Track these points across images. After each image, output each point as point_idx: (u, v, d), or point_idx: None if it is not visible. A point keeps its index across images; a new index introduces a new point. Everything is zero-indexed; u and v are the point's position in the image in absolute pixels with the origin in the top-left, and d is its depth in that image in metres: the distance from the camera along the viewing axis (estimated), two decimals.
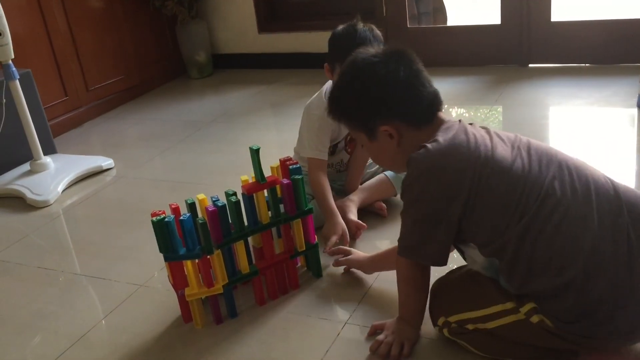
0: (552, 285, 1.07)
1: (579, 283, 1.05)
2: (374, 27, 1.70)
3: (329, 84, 1.77)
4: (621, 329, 1.07)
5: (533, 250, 1.08)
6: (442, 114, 1.23)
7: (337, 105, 1.27)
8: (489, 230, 1.12)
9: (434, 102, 1.22)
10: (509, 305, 1.13)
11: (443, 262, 1.20)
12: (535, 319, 1.10)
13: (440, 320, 1.24)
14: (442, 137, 1.17)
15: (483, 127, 1.23)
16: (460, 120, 1.22)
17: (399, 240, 1.23)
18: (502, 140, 1.18)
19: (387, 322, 1.32)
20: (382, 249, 1.50)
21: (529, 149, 1.17)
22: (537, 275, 1.08)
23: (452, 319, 1.21)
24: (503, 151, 1.15)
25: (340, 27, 1.72)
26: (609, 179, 1.15)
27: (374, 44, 1.63)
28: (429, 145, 1.16)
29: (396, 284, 1.30)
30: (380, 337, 1.30)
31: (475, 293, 1.20)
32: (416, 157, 1.16)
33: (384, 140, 1.22)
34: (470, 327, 1.19)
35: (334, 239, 1.64)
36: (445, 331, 1.24)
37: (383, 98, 1.20)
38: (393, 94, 1.19)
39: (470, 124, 1.23)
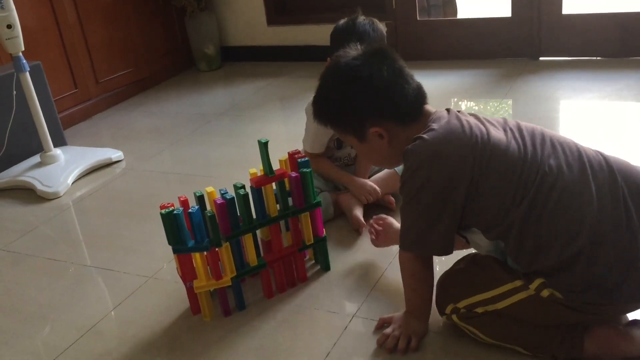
0: (560, 259, 1.09)
1: (586, 254, 1.07)
2: (375, 20, 1.70)
3: None
4: (629, 294, 1.08)
5: (538, 228, 1.09)
6: (429, 107, 1.24)
7: (323, 111, 1.27)
8: (492, 214, 1.13)
9: (419, 97, 1.23)
10: (517, 283, 1.14)
11: (449, 250, 1.20)
12: (545, 293, 1.11)
13: (449, 308, 1.24)
14: (436, 125, 1.17)
15: (472, 114, 1.23)
16: (448, 109, 1.23)
17: (402, 236, 1.23)
18: (493, 124, 1.19)
19: (394, 316, 1.32)
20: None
21: (520, 130, 1.18)
22: (545, 252, 1.10)
23: (461, 304, 1.22)
24: (497, 134, 1.16)
25: (341, 21, 1.72)
26: (599, 152, 1.18)
27: (374, 37, 1.64)
28: (424, 135, 1.16)
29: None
30: (388, 330, 1.30)
31: (483, 276, 1.20)
32: (413, 148, 1.16)
33: (375, 140, 1.22)
34: (479, 310, 1.19)
35: (370, 198, 1.76)
36: (454, 317, 1.24)
37: (369, 100, 1.19)
38: (379, 94, 1.19)
39: (459, 111, 1.23)
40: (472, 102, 2.79)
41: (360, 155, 1.29)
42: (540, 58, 3.15)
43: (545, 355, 1.18)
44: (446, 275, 1.29)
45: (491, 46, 3.23)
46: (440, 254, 1.22)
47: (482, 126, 1.17)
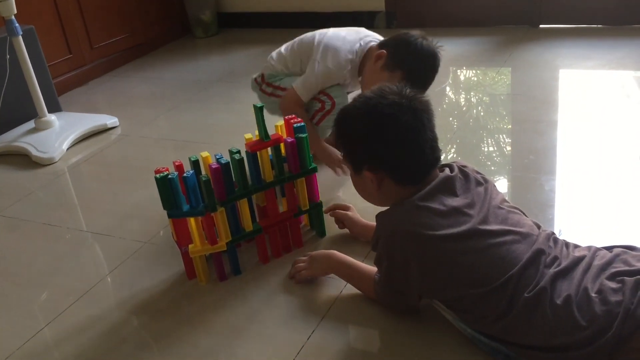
0: None
1: None
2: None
3: (354, 47, 1.78)
4: None
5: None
6: (435, 173, 1.20)
7: (340, 130, 1.25)
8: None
9: (427, 170, 1.18)
10: None
11: (416, 307, 1.27)
12: None
13: None
14: (412, 202, 1.14)
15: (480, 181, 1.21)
16: (450, 171, 1.20)
17: (378, 290, 1.28)
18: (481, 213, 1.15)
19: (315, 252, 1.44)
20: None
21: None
22: None
23: None
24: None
25: (416, 37, 1.68)
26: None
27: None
28: (394, 211, 1.18)
29: None
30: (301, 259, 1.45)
31: None
32: (381, 219, 1.20)
33: (366, 180, 1.21)
34: None
35: (339, 172, 1.82)
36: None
37: (378, 151, 1.16)
38: (389, 151, 1.16)
39: (464, 166, 1.22)
40: (471, 71, 2.76)
41: (352, 181, 1.29)
42: (541, 25, 3.11)
43: None
44: None
45: (491, 14, 3.19)
46: (402, 311, 1.28)
47: (459, 217, 1.12)
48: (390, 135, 1.14)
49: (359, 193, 1.29)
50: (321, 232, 1.60)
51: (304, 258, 1.45)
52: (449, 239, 1.10)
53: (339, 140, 1.25)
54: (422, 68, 1.67)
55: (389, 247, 1.17)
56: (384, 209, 1.22)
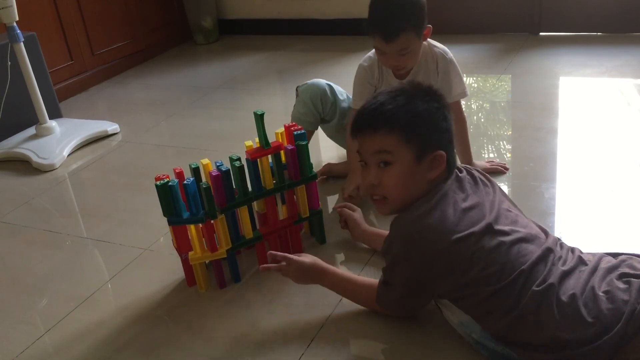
0: None
1: None
2: None
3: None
4: None
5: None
6: None
7: (406, 113, 1.16)
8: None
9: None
10: None
11: (416, 311, 1.29)
12: None
13: None
14: (432, 204, 1.14)
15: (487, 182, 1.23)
16: (459, 175, 1.21)
17: (380, 293, 1.25)
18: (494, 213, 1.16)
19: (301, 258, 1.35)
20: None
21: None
22: None
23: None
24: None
25: None
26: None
27: None
28: (415, 213, 1.14)
29: None
30: (281, 263, 1.35)
31: None
32: (398, 223, 1.18)
33: (426, 167, 1.17)
34: None
35: (351, 187, 1.72)
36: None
37: (447, 132, 1.18)
38: (451, 134, 1.19)
39: (469, 168, 1.25)
40: (471, 78, 2.77)
41: (394, 174, 1.17)
42: (541, 33, 3.12)
43: None
44: None
45: (491, 21, 3.20)
46: (407, 315, 1.29)
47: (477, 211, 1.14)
48: (445, 121, 1.18)
49: (395, 187, 1.17)
50: (321, 239, 1.60)
51: (282, 267, 1.36)
52: (465, 239, 1.10)
53: (399, 132, 1.15)
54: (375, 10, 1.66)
55: (407, 251, 1.16)
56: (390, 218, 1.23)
